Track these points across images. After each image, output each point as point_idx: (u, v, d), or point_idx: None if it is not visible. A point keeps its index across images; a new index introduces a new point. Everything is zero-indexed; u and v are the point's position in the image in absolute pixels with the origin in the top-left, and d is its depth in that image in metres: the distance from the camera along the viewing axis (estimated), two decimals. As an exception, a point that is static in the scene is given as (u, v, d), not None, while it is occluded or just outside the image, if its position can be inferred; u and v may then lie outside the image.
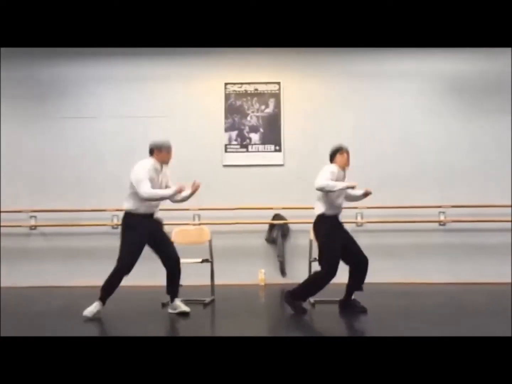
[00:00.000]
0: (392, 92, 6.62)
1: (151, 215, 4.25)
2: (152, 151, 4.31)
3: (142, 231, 4.15)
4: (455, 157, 6.51)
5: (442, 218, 6.39)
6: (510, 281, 6.03)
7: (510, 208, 6.24)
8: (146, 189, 4.03)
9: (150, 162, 4.22)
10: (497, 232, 6.34)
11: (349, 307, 4.42)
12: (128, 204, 4.17)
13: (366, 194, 4.44)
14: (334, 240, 4.30)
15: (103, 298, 4.20)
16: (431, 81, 6.63)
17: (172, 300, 4.36)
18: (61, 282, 6.29)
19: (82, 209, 6.42)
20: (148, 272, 6.25)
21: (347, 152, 4.45)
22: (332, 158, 4.48)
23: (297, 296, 4.33)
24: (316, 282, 4.31)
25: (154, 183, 4.15)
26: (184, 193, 4.35)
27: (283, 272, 6.42)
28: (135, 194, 4.12)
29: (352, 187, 4.25)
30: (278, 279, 6.36)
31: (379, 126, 6.59)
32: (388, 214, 6.36)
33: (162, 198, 4.17)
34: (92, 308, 4.13)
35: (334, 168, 4.36)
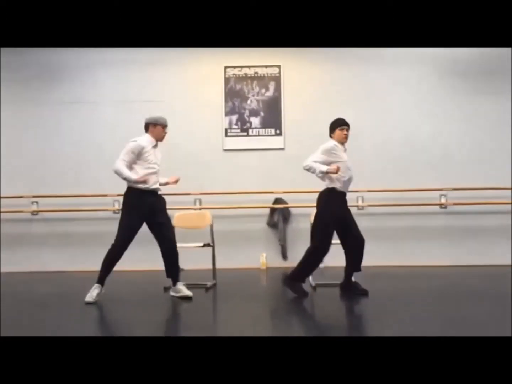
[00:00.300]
0: (392, 76, 6.56)
1: (152, 192, 4.24)
2: (147, 127, 4.32)
3: (140, 208, 4.17)
4: (454, 140, 6.48)
5: (443, 201, 6.39)
6: (510, 263, 6.06)
7: (510, 191, 6.24)
8: (117, 164, 4.13)
9: (144, 139, 4.24)
10: (498, 214, 6.34)
11: (350, 289, 4.44)
12: None
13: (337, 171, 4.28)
14: (332, 216, 4.29)
15: (101, 279, 4.23)
16: (430, 64, 6.56)
17: (174, 283, 4.38)
18: (63, 267, 6.32)
19: (83, 194, 6.42)
20: (151, 256, 6.31)
21: (347, 128, 4.44)
22: (331, 131, 4.47)
23: (295, 277, 4.36)
24: (310, 259, 4.31)
25: (150, 160, 4.20)
26: (162, 180, 4.45)
27: (284, 256, 6.45)
28: (134, 170, 4.13)
29: (334, 173, 4.21)
30: (279, 263, 6.39)
31: (379, 110, 6.55)
32: (389, 198, 6.36)
33: (124, 179, 4.17)
34: (92, 293, 4.15)
35: (330, 145, 4.35)
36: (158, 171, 4.31)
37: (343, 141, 4.45)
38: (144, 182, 4.13)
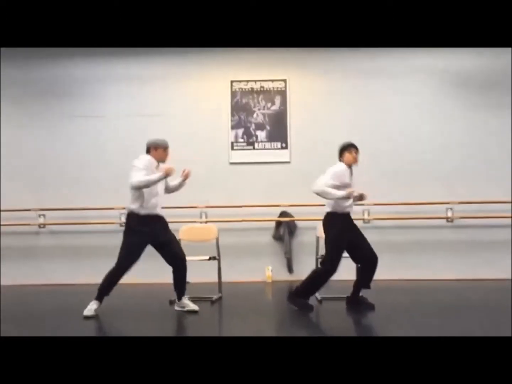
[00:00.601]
0: (396, 89, 6.59)
1: (154, 216, 4.22)
2: (148, 150, 4.33)
3: (143, 233, 4.13)
4: (457, 154, 6.48)
5: (449, 214, 6.37)
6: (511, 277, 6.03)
7: (518, 204, 6.23)
8: (135, 178, 4.04)
9: (146, 158, 4.24)
10: (504, 228, 6.31)
11: (356, 303, 4.43)
12: (131, 206, 4.18)
13: (360, 198, 4.35)
14: (342, 239, 4.30)
15: (100, 297, 4.20)
16: (435, 77, 6.59)
17: (179, 298, 4.38)
18: (68, 280, 6.34)
19: (89, 207, 6.46)
20: (156, 269, 6.31)
21: (356, 150, 4.43)
22: (340, 155, 4.48)
23: (299, 295, 4.35)
24: (317, 280, 4.32)
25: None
26: (176, 181, 4.43)
27: (290, 269, 6.43)
28: (137, 195, 4.13)
29: (349, 197, 4.23)
30: (285, 276, 6.38)
31: (384, 123, 6.57)
32: (395, 211, 6.35)
33: (150, 182, 4.07)
34: (91, 307, 4.14)
35: (338, 168, 4.35)
36: (158, 194, 4.23)
37: (353, 163, 4.44)
38: (168, 174, 4.07)
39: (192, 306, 4.32)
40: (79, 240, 6.57)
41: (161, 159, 4.32)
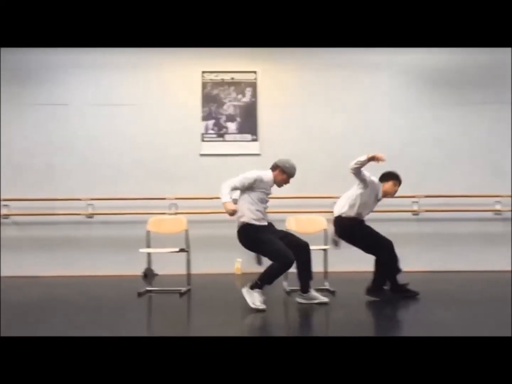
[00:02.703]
0: (367, 82, 6.68)
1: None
2: (275, 168, 4.28)
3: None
4: (427, 148, 6.63)
5: (415, 208, 6.51)
6: (479, 269, 6.24)
7: (479, 198, 6.41)
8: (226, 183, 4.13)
9: (264, 173, 4.20)
10: (468, 221, 6.50)
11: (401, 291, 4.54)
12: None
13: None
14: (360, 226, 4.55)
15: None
16: (405, 73, 6.71)
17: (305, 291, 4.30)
18: (34, 272, 6.20)
19: (55, 197, 6.32)
20: (124, 261, 6.25)
21: (399, 184, 4.62)
22: (384, 180, 4.62)
23: (378, 287, 4.48)
24: (386, 266, 4.51)
25: (259, 193, 4.17)
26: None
27: (259, 261, 6.42)
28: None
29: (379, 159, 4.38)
30: (254, 268, 6.36)
31: (354, 116, 6.65)
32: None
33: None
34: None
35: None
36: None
37: (390, 194, 4.64)
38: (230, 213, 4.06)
39: (321, 298, 4.25)
40: (44, 232, 6.42)
41: (279, 183, 4.28)
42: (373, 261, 4.62)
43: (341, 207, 4.56)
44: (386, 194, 4.63)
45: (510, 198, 6.41)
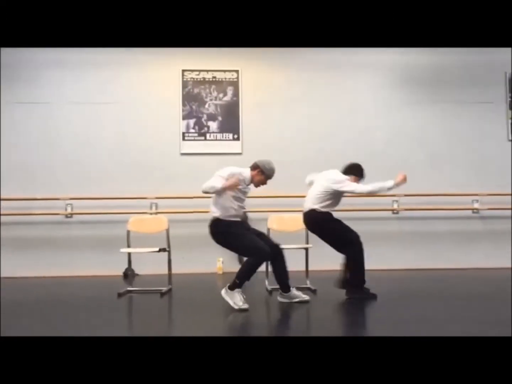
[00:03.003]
0: (348, 81, 6.72)
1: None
2: (255, 167, 4.22)
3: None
4: (407, 147, 6.70)
5: (395, 206, 6.57)
6: (459, 267, 6.34)
7: (458, 197, 6.51)
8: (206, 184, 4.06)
9: (242, 171, 4.15)
10: (446, 219, 6.60)
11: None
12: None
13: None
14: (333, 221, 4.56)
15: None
16: (385, 72, 6.77)
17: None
18: (12, 273, 6.09)
19: (33, 197, 6.22)
20: (104, 262, 6.18)
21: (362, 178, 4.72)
22: (348, 172, 4.61)
23: (356, 283, 4.46)
24: (357, 260, 4.50)
25: (235, 192, 4.11)
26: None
27: (240, 261, 6.43)
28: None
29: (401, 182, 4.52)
30: (235, 268, 6.34)
31: (335, 114, 6.69)
32: (344, 203, 6.46)
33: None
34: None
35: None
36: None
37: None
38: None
39: (302, 297, 4.25)
40: (23, 231, 6.31)
41: (256, 184, 4.25)
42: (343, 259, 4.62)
43: (313, 202, 4.54)
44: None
45: (488, 197, 6.52)
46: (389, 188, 4.45)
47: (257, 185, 4.30)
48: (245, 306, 3.98)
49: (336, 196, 4.53)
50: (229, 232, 4.11)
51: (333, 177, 4.49)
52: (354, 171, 4.65)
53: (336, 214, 6.48)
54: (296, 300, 4.24)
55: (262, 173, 4.21)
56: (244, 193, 4.25)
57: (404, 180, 4.44)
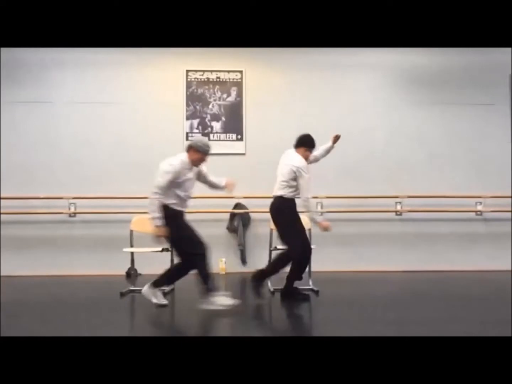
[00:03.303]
0: (350, 82, 6.70)
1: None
2: (189, 150, 4.23)
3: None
4: (409, 149, 6.68)
5: (398, 208, 6.56)
6: (461, 269, 6.32)
7: (461, 199, 6.50)
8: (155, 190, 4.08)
9: (179, 160, 4.16)
10: (449, 221, 6.58)
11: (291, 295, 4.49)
12: None
13: None
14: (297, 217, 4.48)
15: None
16: (387, 73, 6.75)
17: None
18: (15, 271, 6.10)
19: (36, 196, 6.23)
20: (107, 261, 6.20)
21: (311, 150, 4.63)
22: (299, 146, 4.60)
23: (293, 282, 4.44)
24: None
25: (183, 180, 4.13)
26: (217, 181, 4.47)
27: (243, 261, 6.45)
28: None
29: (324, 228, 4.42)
30: (238, 268, 6.40)
31: (336, 118, 6.67)
32: (347, 204, 6.48)
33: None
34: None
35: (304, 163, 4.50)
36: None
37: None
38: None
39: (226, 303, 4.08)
40: (25, 231, 6.33)
41: (195, 163, 4.23)
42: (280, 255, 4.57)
43: (281, 188, 4.50)
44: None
45: (491, 199, 6.51)
46: (312, 217, 4.45)
47: (197, 164, 4.26)
48: (165, 301, 4.18)
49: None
50: (173, 223, 4.12)
51: (293, 163, 4.47)
52: (305, 142, 4.62)
53: (341, 215, 6.52)
54: (217, 307, 4.04)
55: (197, 151, 4.19)
56: (190, 179, 4.24)
57: (325, 228, 4.40)
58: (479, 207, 6.55)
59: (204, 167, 4.35)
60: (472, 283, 5.57)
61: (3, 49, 6.26)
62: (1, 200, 6.20)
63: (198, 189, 6.33)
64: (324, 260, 6.01)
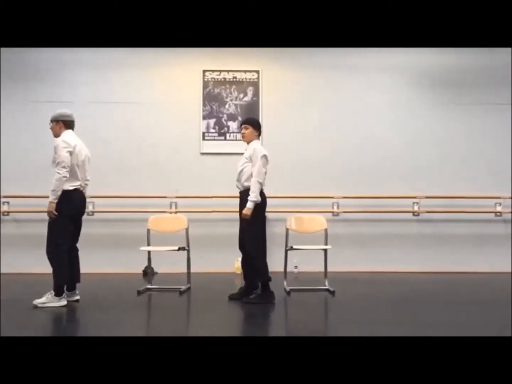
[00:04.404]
0: (367, 83, 6.66)
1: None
2: (51, 124, 4.50)
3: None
4: (424, 149, 6.62)
5: (416, 208, 6.50)
6: (480, 270, 6.25)
7: (479, 200, 6.42)
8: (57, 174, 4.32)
9: (59, 140, 4.37)
10: (467, 222, 6.50)
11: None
12: None
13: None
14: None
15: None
16: (404, 75, 6.69)
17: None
18: (33, 269, 6.20)
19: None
20: (124, 259, 6.26)
21: (241, 127, 4.71)
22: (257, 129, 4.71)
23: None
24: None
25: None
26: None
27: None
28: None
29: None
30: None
31: (354, 118, 6.64)
32: (363, 204, 6.45)
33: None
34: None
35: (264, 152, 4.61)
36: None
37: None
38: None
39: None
40: (44, 230, 6.41)
41: (57, 134, 4.43)
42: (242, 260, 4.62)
43: (246, 179, 4.55)
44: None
45: (510, 200, 6.41)
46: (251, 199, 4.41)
47: (57, 135, 4.42)
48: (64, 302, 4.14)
49: None
50: (60, 210, 4.21)
51: (253, 151, 4.58)
52: (255, 124, 4.70)
53: (358, 215, 6.49)
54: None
55: (57, 122, 4.46)
56: (80, 159, 4.45)
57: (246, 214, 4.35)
58: (499, 208, 6.46)
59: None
60: (490, 285, 5.50)
61: (27, 50, 6.35)
62: (22, 199, 6.31)
63: (214, 188, 6.38)
64: (340, 260, 5.99)
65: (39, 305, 4.07)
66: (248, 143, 4.64)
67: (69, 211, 4.20)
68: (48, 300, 4.11)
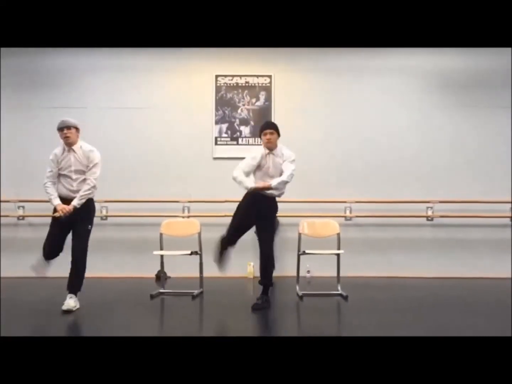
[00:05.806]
0: (381, 86, 6.64)
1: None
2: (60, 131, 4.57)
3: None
4: (440, 153, 6.57)
5: (429, 213, 6.45)
6: (495, 276, 6.16)
7: (494, 204, 6.34)
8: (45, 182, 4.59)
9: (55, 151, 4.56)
10: (482, 227, 6.43)
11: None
12: None
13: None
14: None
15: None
16: (418, 77, 6.65)
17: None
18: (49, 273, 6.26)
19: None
20: (137, 263, 6.29)
21: (266, 133, 4.55)
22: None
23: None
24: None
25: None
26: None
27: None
28: None
29: (257, 189, 4.45)
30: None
31: (367, 122, 6.61)
32: (376, 209, 6.41)
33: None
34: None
35: (257, 153, 4.55)
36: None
37: (265, 146, 4.58)
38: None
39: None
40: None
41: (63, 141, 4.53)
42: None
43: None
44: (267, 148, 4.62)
45: (526, 204, 6.33)
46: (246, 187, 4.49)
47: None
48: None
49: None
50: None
51: (288, 155, 4.60)
52: (278, 129, 4.69)
53: (371, 220, 6.45)
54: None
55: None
56: (68, 168, 4.50)
57: (264, 187, 4.40)
58: (514, 213, 6.38)
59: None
60: (506, 291, 5.42)
61: (40, 55, 6.44)
62: (35, 203, 6.37)
63: (227, 192, 6.39)
64: (353, 265, 5.96)
65: (74, 309, 4.10)
66: (271, 149, 4.53)
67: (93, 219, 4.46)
68: (76, 302, 4.17)
